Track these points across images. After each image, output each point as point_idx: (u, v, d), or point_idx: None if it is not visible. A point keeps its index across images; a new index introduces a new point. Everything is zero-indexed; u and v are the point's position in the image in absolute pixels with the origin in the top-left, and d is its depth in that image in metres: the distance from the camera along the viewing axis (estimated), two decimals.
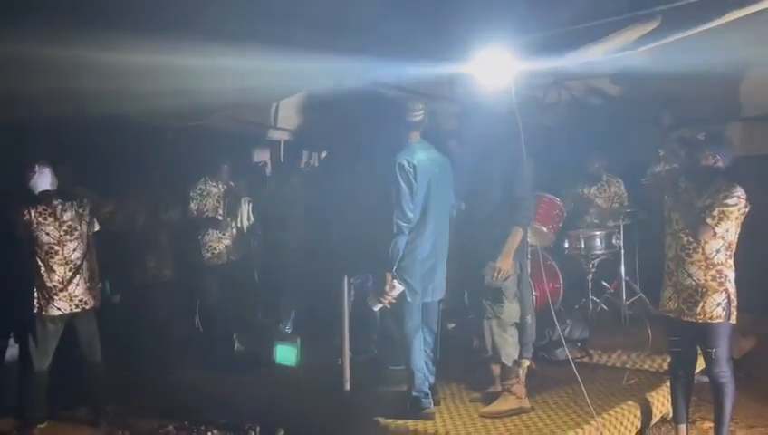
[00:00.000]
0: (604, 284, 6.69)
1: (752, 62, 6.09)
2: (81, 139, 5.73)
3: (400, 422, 4.58)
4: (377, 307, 4.66)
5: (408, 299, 4.62)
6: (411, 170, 4.53)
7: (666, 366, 5.35)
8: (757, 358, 5.60)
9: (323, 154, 8.05)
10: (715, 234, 4.15)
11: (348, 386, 5.08)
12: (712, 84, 6.42)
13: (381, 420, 4.64)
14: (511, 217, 4.72)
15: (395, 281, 4.56)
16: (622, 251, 6.41)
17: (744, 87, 6.59)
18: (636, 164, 6.43)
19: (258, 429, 5.40)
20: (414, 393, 4.65)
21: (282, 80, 5.24)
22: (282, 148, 8.31)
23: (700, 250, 4.22)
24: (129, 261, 6.50)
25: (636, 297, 6.38)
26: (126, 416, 5.71)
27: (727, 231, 4.16)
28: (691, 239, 4.23)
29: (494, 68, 4.35)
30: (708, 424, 4.95)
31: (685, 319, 4.29)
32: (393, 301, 4.61)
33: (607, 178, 7.04)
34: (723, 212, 4.12)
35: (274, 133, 7.99)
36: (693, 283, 4.24)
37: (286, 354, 4.51)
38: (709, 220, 4.12)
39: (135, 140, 6.23)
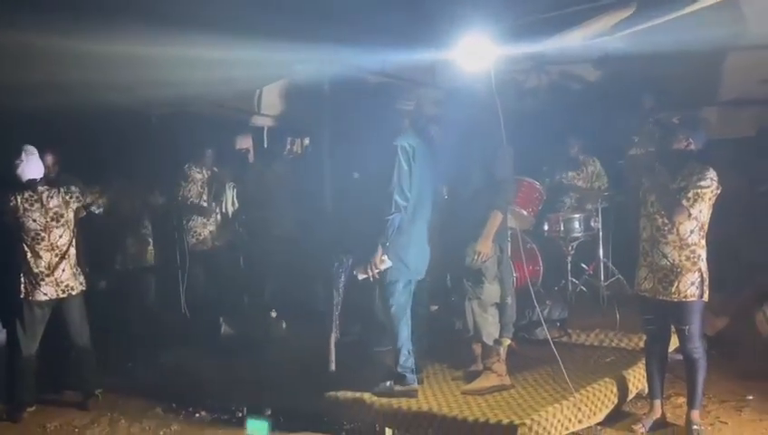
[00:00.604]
0: (583, 265, 6.83)
1: (728, 46, 6.24)
2: (66, 125, 5.76)
3: (385, 400, 4.68)
4: (362, 277, 4.74)
5: (396, 277, 4.72)
6: (411, 152, 4.66)
7: (642, 344, 5.49)
8: (729, 336, 5.75)
9: (306, 141, 8.12)
10: (689, 215, 4.28)
11: (333, 366, 5.17)
12: (690, 69, 6.58)
13: (366, 397, 4.74)
14: (491, 201, 4.83)
15: (385, 256, 4.65)
16: (600, 233, 6.55)
17: (721, 72, 6.72)
18: (615, 148, 6.57)
19: (245, 409, 5.51)
20: (399, 370, 4.75)
21: (265, 66, 5.30)
22: (265, 134, 8.37)
23: (675, 231, 4.35)
24: (111, 246, 6.55)
25: (613, 278, 6.52)
26: (114, 399, 5.81)
27: (701, 212, 4.29)
28: (666, 221, 4.36)
29: (475, 54, 4.44)
30: (682, 400, 5.07)
31: (660, 298, 4.42)
32: (377, 276, 4.70)
33: (583, 159, 7.17)
34: (697, 194, 4.24)
35: (258, 120, 8.05)
36: (668, 263, 4.37)
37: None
38: (684, 202, 4.24)
39: (119, 126, 6.26)
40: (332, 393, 4.95)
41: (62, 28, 4.64)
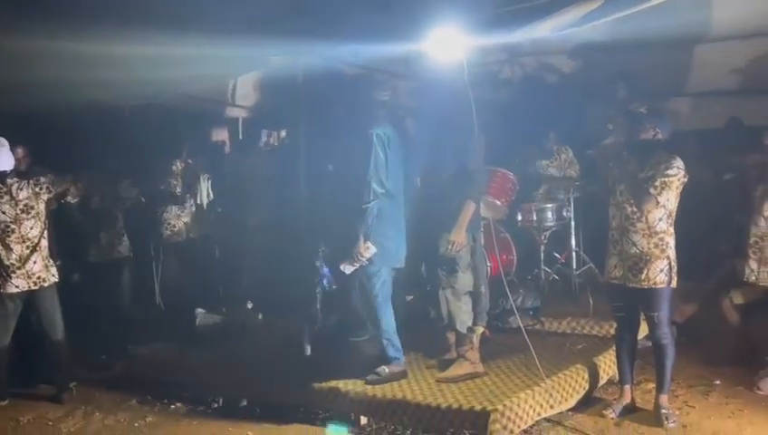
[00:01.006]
0: (555, 254, 6.90)
1: (697, 37, 6.34)
2: (38, 117, 5.71)
3: (360, 389, 4.73)
4: (349, 270, 4.78)
5: (380, 265, 4.79)
6: (386, 140, 4.71)
7: (612, 332, 5.59)
8: (698, 323, 5.86)
9: (282, 133, 8.12)
10: (657, 203, 4.35)
11: (308, 351, 5.20)
12: (661, 60, 6.69)
13: (342, 386, 4.78)
14: (464, 191, 4.88)
15: (368, 242, 4.70)
16: (572, 223, 6.62)
17: (691, 63, 6.82)
18: (588, 138, 6.63)
19: (221, 400, 5.53)
20: (390, 353, 4.85)
21: (238, 58, 5.31)
22: (240, 125, 8.36)
23: (644, 219, 4.42)
24: (84, 238, 6.51)
25: (585, 267, 6.60)
26: (88, 392, 5.79)
27: (668, 200, 4.37)
28: (635, 209, 4.43)
29: (447, 45, 4.47)
30: (651, 385, 5.15)
31: (630, 285, 4.50)
32: (365, 262, 4.75)
33: (557, 148, 7.24)
34: (664, 182, 4.32)
35: (233, 111, 8.05)
36: (637, 251, 4.44)
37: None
38: (652, 190, 4.32)
39: (92, 117, 6.22)
40: (308, 382, 4.98)
41: (34, 23, 4.63)
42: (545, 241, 6.63)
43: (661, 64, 6.85)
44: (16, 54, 4.95)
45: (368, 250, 4.70)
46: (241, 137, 8.32)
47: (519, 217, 6.59)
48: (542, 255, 6.64)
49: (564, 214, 6.57)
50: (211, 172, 7.31)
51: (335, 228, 5.55)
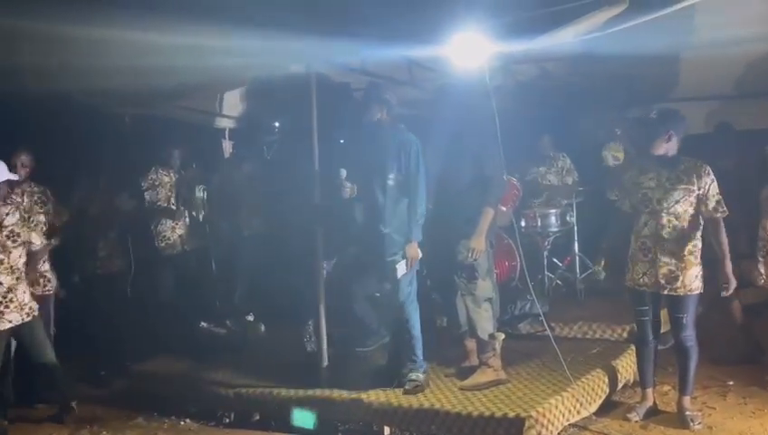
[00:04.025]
0: (555, 261, 6.93)
1: (694, 43, 6.45)
2: (38, 124, 5.54)
3: (384, 398, 4.67)
4: (402, 273, 4.79)
5: (417, 268, 4.87)
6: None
7: (625, 335, 5.64)
8: (706, 324, 5.91)
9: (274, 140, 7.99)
10: (694, 210, 4.44)
11: (326, 362, 5.11)
12: (653, 67, 6.77)
13: (364, 396, 4.71)
14: (482, 198, 4.87)
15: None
16: (575, 228, 6.67)
17: (680, 69, 6.94)
18: (587, 144, 6.69)
19: (233, 414, 5.40)
20: (420, 360, 4.87)
21: (248, 61, 5.20)
22: (227, 135, 8.23)
23: (680, 227, 4.47)
24: (80, 251, 6.33)
25: (589, 272, 6.65)
26: (92, 410, 5.61)
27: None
28: (671, 218, 4.47)
29: (468, 51, 4.46)
30: (667, 387, 5.24)
31: (665, 293, 4.52)
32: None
33: (553, 154, 7.28)
34: (718, 202, 4.44)
35: (221, 121, 7.93)
36: (673, 259, 4.47)
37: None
38: (716, 213, 4.43)
39: (90, 126, 6.06)
40: (326, 393, 4.90)
41: (33, 29, 4.50)
42: (548, 247, 6.66)
43: (651, 70, 6.95)
44: (14, 63, 4.82)
45: (420, 255, 4.79)
46: (229, 147, 8.18)
47: (523, 223, 6.62)
48: (546, 260, 6.66)
49: (568, 219, 6.61)
50: (205, 183, 7.15)
51: (343, 238, 5.51)
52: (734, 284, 4.46)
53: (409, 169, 4.76)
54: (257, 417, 5.31)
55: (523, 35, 4.47)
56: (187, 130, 7.36)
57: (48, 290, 5.71)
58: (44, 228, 5.27)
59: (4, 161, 5.01)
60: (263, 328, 6.62)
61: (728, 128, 7.02)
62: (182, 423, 5.40)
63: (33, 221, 5.18)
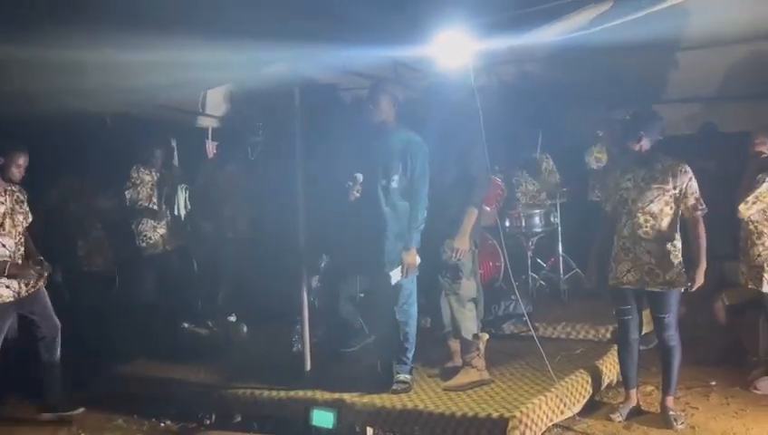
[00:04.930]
0: (539, 261, 6.93)
1: (672, 45, 6.47)
2: (16, 124, 5.44)
3: (367, 400, 4.62)
4: (396, 280, 4.70)
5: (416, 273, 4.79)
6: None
7: (608, 335, 5.64)
8: (689, 324, 5.92)
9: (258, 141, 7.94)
10: (671, 209, 4.45)
11: (309, 366, 5.06)
12: (638, 67, 6.79)
13: (347, 398, 4.67)
14: (467, 198, 4.85)
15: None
16: (559, 228, 6.67)
17: (666, 70, 6.96)
18: (570, 145, 6.68)
19: (214, 416, 5.34)
20: (411, 361, 4.84)
21: (232, 65, 5.15)
22: (210, 134, 8.17)
23: (657, 226, 4.47)
24: (59, 249, 6.23)
25: (572, 272, 6.65)
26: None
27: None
28: (648, 217, 4.48)
29: (453, 49, 4.44)
30: (650, 388, 5.24)
31: (649, 289, 4.52)
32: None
33: (538, 156, 7.27)
34: (697, 198, 4.46)
35: (204, 120, 7.87)
36: (653, 259, 4.48)
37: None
38: (698, 211, 4.45)
39: (70, 125, 5.97)
40: (309, 395, 4.86)
41: (16, 32, 4.43)
42: (532, 247, 6.65)
43: (635, 72, 6.97)
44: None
45: (417, 261, 4.72)
46: (212, 147, 8.12)
47: (507, 224, 6.61)
48: (530, 261, 6.65)
49: (552, 219, 6.61)
50: (188, 182, 7.09)
51: (342, 239, 5.46)
52: (699, 283, 4.45)
53: (414, 173, 4.64)
54: (239, 418, 5.26)
55: (508, 34, 4.46)
56: (170, 129, 7.30)
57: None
58: (21, 229, 5.18)
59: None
60: (245, 329, 6.55)
61: (712, 129, 7.04)
62: (162, 425, 5.33)
63: (15, 221, 5.11)
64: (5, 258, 4.99)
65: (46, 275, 5.26)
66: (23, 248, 5.15)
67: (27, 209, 5.21)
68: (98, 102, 5.71)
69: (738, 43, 6.34)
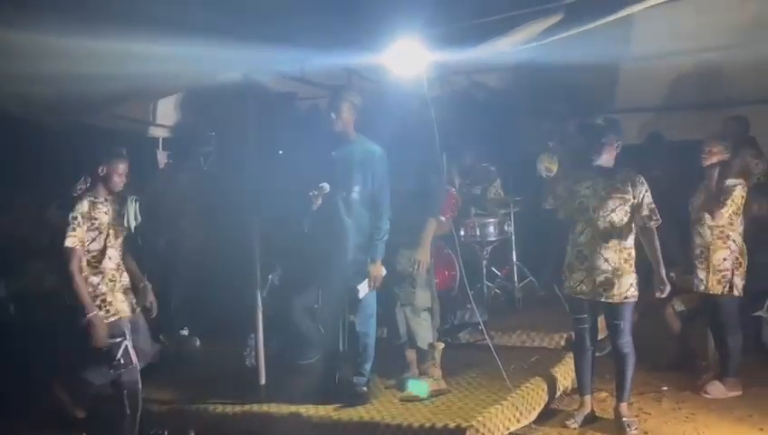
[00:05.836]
0: (494, 270, 6.96)
1: (620, 58, 6.60)
2: None
3: (323, 413, 4.59)
4: (363, 293, 4.69)
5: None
6: None
7: (563, 343, 5.69)
8: (640, 330, 6.01)
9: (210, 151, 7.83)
10: (629, 219, 4.52)
11: (263, 380, 4.99)
12: (588, 79, 6.90)
13: (303, 411, 4.62)
14: (426, 208, 4.86)
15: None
16: (513, 237, 6.72)
17: (614, 81, 7.10)
18: (525, 155, 6.72)
19: (166, 433, 5.22)
20: (368, 376, 4.82)
21: (184, 69, 5.06)
22: (160, 144, 8.04)
23: (615, 235, 4.53)
24: (9, 268, 6.05)
25: (526, 280, 6.70)
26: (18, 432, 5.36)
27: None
28: (608, 226, 4.53)
29: (407, 59, 4.45)
30: (605, 394, 5.28)
31: (601, 300, 4.57)
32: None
33: (480, 167, 7.29)
34: (652, 209, 4.53)
35: (155, 130, 7.74)
36: (609, 267, 4.53)
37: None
38: (650, 221, 4.52)
39: (18, 137, 5.81)
40: (264, 408, 4.79)
41: None
42: (487, 256, 6.69)
43: (585, 82, 7.08)
44: None
45: (383, 273, 4.70)
46: (164, 157, 7.98)
47: (462, 233, 6.62)
48: (485, 269, 6.69)
49: (506, 228, 6.66)
50: (138, 194, 6.93)
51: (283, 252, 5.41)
52: (668, 287, 4.52)
53: (375, 183, 4.62)
54: (192, 434, 5.15)
55: (461, 45, 4.49)
56: (119, 139, 7.14)
57: None
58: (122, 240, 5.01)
59: None
60: (198, 343, 6.44)
61: (659, 138, 7.19)
62: None
63: (117, 232, 4.95)
64: (113, 271, 4.78)
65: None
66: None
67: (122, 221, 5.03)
68: (46, 110, 5.56)
69: (684, 55, 6.50)
